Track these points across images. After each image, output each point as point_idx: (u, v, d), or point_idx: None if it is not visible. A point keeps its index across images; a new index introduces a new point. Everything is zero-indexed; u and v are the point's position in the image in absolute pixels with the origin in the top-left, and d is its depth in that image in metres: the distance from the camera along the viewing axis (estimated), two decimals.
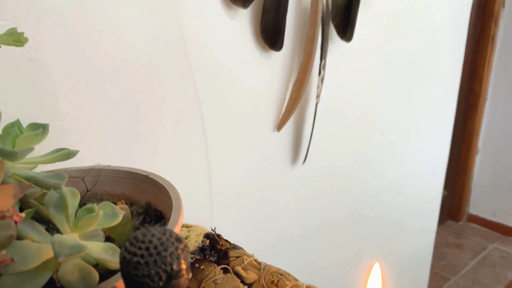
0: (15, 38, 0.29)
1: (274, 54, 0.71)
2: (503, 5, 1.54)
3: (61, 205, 0.25)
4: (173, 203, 0.32)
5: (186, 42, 0.61)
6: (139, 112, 0.59)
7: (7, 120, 0.50)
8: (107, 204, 0.26)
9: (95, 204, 0.25)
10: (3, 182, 0.29)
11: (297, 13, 0.72)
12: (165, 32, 0.59)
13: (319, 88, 0.74)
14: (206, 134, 0.68)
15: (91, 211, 0.24)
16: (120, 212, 0.26)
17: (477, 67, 1.63)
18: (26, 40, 0.30)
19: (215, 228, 0.46)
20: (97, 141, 0.55)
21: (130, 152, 0.59)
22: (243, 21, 0.66)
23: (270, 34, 0.67)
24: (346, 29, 0.74)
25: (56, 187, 0.30)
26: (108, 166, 0.39)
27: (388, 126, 1.04)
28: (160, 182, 0.35)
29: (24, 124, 0.50)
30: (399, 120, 1.08)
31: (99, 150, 0.55)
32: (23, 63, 0.49)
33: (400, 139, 1.11)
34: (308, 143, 0.79)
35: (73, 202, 0.25)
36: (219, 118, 0.68)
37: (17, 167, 0.32)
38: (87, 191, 0.39)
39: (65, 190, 0.25)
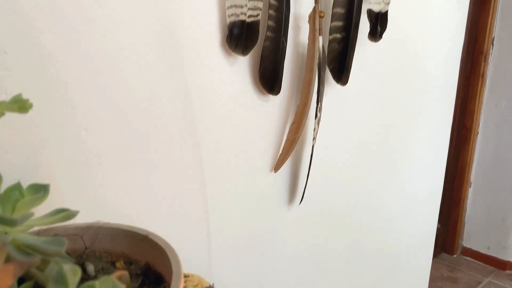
0: (20, 105, 0.30)
1: (272, 97, 0.72)
2: (492, 44, 1.58)
3: (62, 282, 0.24)
4: (173, 269, 0.32)
5: (187, 88, 0.62)
6: (137, 158, 0.59)
7: (7, 168, 0.49)
8: (108, 279, 0.26)
9: (96, 282, 0.25)
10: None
11: (294, 58, 0.73)
12: (168, 77, 0.60)
13: (316, 130, 0.75)
14: (204, 176, 0.68)
15: None
16: (121, 287, 0.26)
17: (469, 102, 1.66)
18: (30, 106, 0.30)
19: (213, 284, 0.46)
20: (96, 190, 0.55)
21: (127, 198, 0.59)
22: (242, 67, 0.67)
23: (268, 79, 0.68)
24: (341, 74, 0.76)
25: (56, 254, 0.30)
26: (108, 223, 0.38)
27: (383, 163, 1.05)
28: (160, 243, 0.35)
29: (22, 177, 0.49)
30: (394, 156, 1.09)
31: (98, 198, 0.55)
32: None
33: (395, 174, 1.12)
34: (304, 184, 0.79)
35: (73, 279, 0.24)
36: (217, 159, 0.69)
37: (15, 230, 0.32)
38: (86, 248, 0.38)
39: (66, 268, 0.24)
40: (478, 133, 1.68)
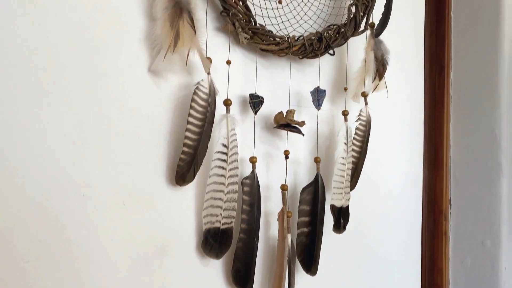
0: None
1: None
2: (450, 204, 1.70)
3: None
4: None
5: None
6: None
7: None
8: None
9: None
10: None
11: (266, 252, 0.78)
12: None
13: None
14: None
15: None
16: None
17: (436, 260, 1.71)
18: None
19: None
20: None
21: None
22: (216, 267, 0.71)
23: (241, 278, 0.72)
24: (310, 265, 0.80)
25: None
26: None
27: None
28: None
29: None
30: None
31: None
32: None
33: None
34: None
35: None
36: None
37: None
38: None
39: None
40: None
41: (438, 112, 1.73)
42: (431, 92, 1.61)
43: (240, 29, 0.70)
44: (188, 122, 0.65)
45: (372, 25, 0.88)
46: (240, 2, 0.69)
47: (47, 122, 0.55)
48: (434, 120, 1.75)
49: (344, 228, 0.86)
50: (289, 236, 0.76)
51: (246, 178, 0.73)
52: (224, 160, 0.68)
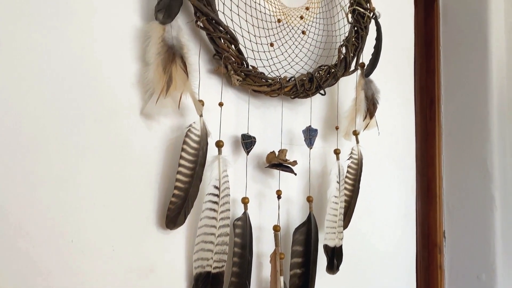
0: None
1: None
2: (444, 236, 1.68)
3: None
4: None
5: None
6: None
7: None
8: None
9: None
10: None
11: None
12: None
13: None
14: None
15: None
16: None
17: None
18: None
19: None
20: None
21: None
22: None
23: None
24: None
25: None
26: None
27: None
28: None
29: None
30: None
31: None
32: None
33: None
34: None
35: None
36: None
37: None
38: None
39: None
40: None
41: (429, 144, 1.75)
42: (422, 125, 1.62)
43: (232, 72, 0.71)
44: (180, 165, 0.65)
45: (362, 65, 0.90)
46: (233, 46, 0.70)
47: (33, 165, 0.54)
48: (426, 153, 1.76)
49: (337, 269, 0.85)
50: (281, 278, 0.75)
51: (238, 219, 0.72)
52: (215, 202, 0.68)
